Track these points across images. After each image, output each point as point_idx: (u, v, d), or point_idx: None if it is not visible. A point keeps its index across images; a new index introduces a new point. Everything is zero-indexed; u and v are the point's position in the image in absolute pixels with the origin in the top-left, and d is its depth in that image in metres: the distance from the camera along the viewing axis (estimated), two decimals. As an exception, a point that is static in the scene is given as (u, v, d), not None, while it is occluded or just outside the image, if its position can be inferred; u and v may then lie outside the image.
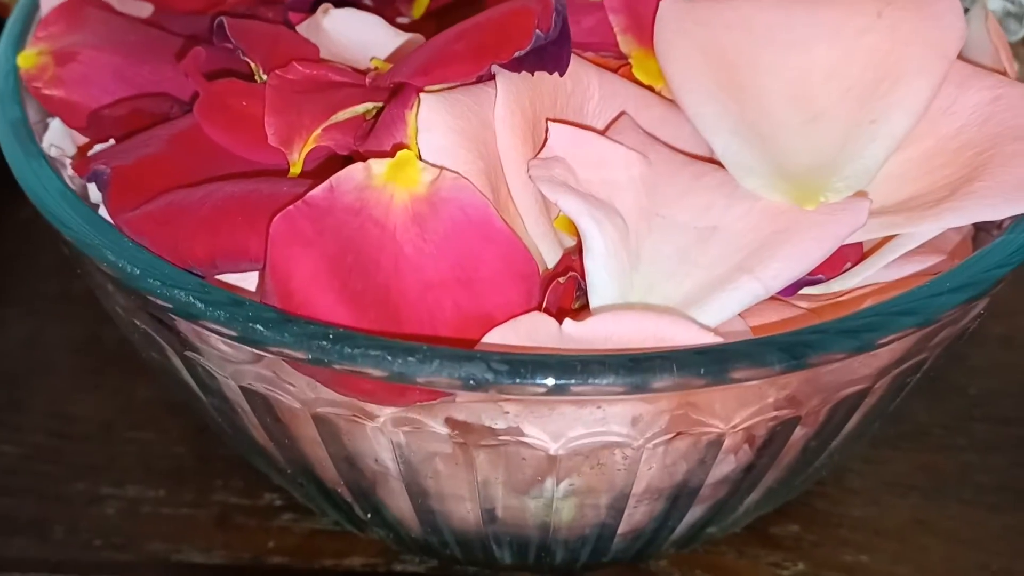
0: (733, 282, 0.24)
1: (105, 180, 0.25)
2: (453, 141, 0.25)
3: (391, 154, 0.25)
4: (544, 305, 0.24)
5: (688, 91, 0.28)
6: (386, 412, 0.23)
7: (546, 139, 0.27)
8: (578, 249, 0.28)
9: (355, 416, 0.23)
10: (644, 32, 0.30)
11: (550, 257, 0.27)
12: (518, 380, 0.21)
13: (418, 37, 0.30)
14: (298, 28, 0.30)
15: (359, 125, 0.27)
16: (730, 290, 0.24)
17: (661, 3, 0.29)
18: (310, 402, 0.24)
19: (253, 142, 0.26)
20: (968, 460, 0.37)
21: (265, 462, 0.29)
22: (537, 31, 0.26)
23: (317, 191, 0.23)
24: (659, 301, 0.25)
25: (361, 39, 0.30)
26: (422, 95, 0.25)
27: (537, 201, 0.26)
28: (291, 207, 0.23)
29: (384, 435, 0.24)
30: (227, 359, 0.24)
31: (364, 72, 0.29)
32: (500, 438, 0.23)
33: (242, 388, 0.24)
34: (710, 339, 0.22)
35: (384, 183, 0.23)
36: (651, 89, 0.30)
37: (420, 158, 0.24)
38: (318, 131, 0.26)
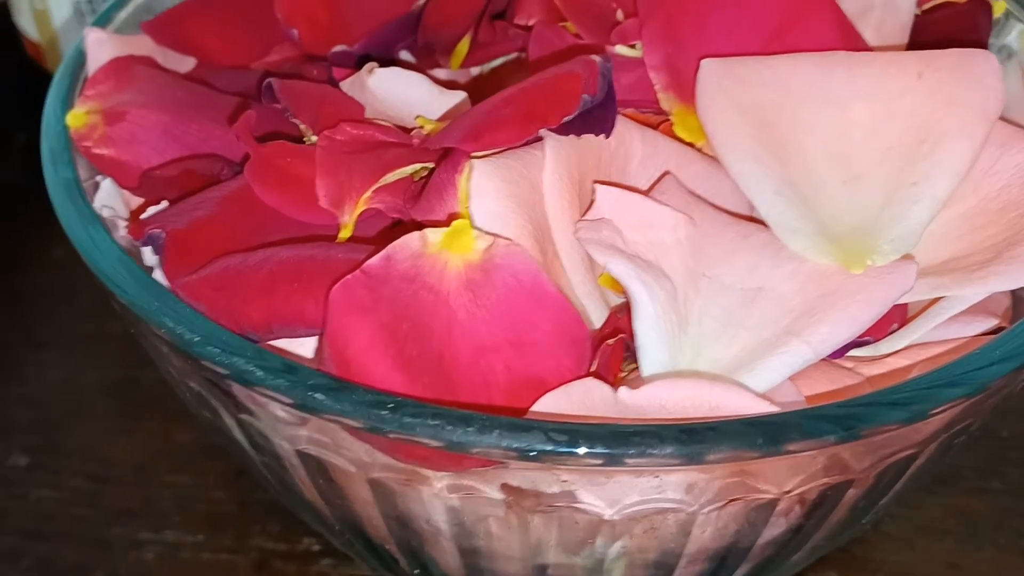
0: (782, 346, 0.25)
1: (161, 244, 0.25)
2: (505, 206, 0.25)
3: (443, 220, 0.25)
4: (594, 367, 0.25)
5: (730, 150, 0.28)
6: (441, 478, 0.23)
7: (593, 200, 0.27)
8: (623, 308, 0.28)
9: (410, 481, 0.24)
10: (685, 89, 0.30)
11: (596, 316, 0.27)
12: (576, 451, 0.21)
13: (463, 101, 0.30)
14: (342, 86, 0.31)
15: (408, 187, 0.27)
16: (779, 354, 0.25)
17: (702, 63, 0.29)
18: (365, 466, 0.24)
19: (303, 203, 0.27)
20: (1003, 504, 0.37)
21: (312, 516, 0.29)
22: (584, 95, 0.26)
23: (374, 260, 0.23)
24: (708, 364, 0.25)
25: (405, 97, 0.30)
26: (474, 161, 0.25)
27: (583, 261, 0.27)
28: (349, 276, 0.23)
29: (439, 500, 0.24)
30: (282, 423, 0.24)
31: (409, 131, 0.29)
32: (555, 504, 0.23)
33: (296, 451, 0.24)
34: (765, 408, 0.22)
35: (439, 251, 0.24)
36: (691, 145, 0.30)
37: (472, 224, 0.24)
38: (368, 193, 0.27)
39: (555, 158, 0.26)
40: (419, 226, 0.25)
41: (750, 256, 0.27)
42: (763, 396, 0.23)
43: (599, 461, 0.21)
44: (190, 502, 0.38)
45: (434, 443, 0.22)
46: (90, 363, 0.42)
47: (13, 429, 0.40)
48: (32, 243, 0.48)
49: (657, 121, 0.31)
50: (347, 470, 0.24)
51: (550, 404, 0.24)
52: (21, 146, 0.53)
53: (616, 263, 0.25)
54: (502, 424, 0.22)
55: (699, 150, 0.30)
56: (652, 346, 0.25)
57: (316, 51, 0.33)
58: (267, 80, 0.28)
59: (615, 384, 0.25)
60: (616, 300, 0.28)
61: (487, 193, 0.25)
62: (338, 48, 0.32)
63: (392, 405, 0.22)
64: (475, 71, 0.35)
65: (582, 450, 0.21)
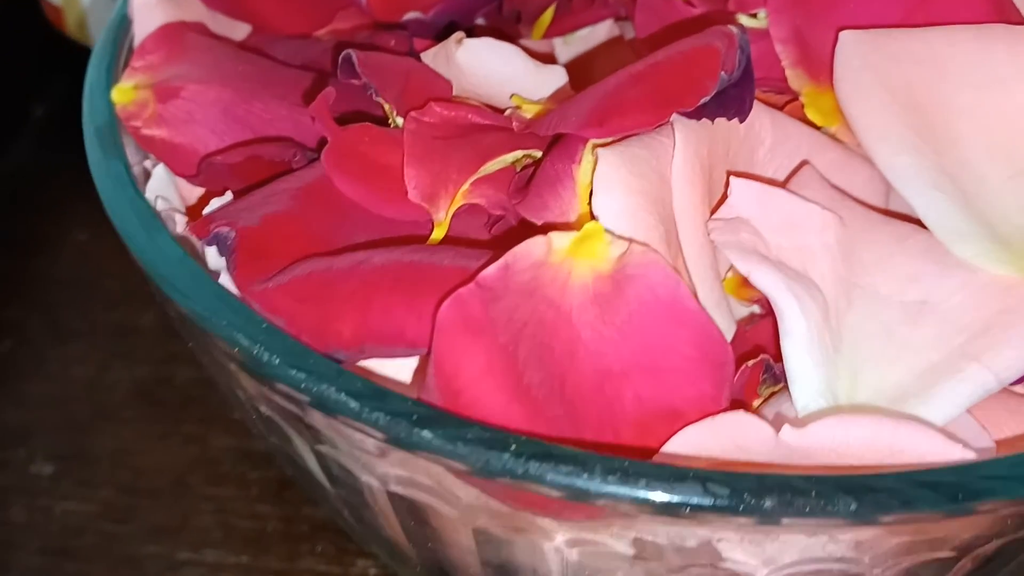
0: (958, 372, 0.21)
1: (230, 245, 0.21)
2: (635, 203, 0.21)
3: (558, 218, 0.21)
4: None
5: (879, 137, 0.24)
6: (562, 528, 0.20)
7: (725, 195, 0.23)
8: (750, 320, 0.24)
9: (523, 531, 0.20)
10: (817, 65, 0.26)
11: (723, 328, 0.23)
12: (741, 508, 0.18)
13: (562, 77, 0.26)
14: (423, 58, 0.27)
15: (511, 178, 0.23)
16: (956, 381, 0.21)
17: (841, 34, 0.26)
18: (471, 511, 0.20)
19: (391, 197, 0.23)
20: None
21: (388, 552, 0.25)
22: (722, 72, 0.22)
23: (491, 270, 0.19)
24: (869, 392, 0.21)
25: (499, 72, 0.26)
26: (600, 150, 0.21)
27: (713, 267, 0.23)
28: (463, 290, 0.19)
29: (556, 553, 0.20)
30: (371, 456, 0.20)
31: (502, 111, 0.25)
32: (696, 563, 0.20)
33: (387, 491, 0.21)
34: (957, 453, 0.19)
35: (564, 258, 0.20)
36: (819, 129, 0.26)
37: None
38: (466, 185, 0.23)
39: (686, 146, 0.22)
40: (528, 226, 0.22)
41: (909, 263, 0.23)
42: (953, 437, 0.19)
43: (768, 521, 0.18)
44: (232, 517, 0.34)
45: (565, 493, 0.18)
46: (119, 358, 0.39)
47: (36, 433, 0.36)
48: (51, 226, 0.44)
49: (782, 102, 0.27)
50: (447, 515, 0.20)
51: (693, 442, 0.20)
52: (39, 120, 0.49)
53: (762, 272, 0.21)
54: (650, 472, 0.18)
55: (831, 135, 0.26)
56: (806, 372, 0.21)
57: (385, 18, 0.29)
58: (346, 52, 0.24)
59: (750, 411, 0.22)
60: (741, 310, 0.25)
61: (615, 188, 0.21)
62: (410, 15, 0.28)
63: (515, 446, 0.18)
64: (559, 43, 0.32)
65: (749, 507, 0.18)
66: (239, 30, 0.29)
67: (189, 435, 0.36)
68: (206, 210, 0.23)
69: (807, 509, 0.18)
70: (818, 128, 0.26)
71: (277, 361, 0.20)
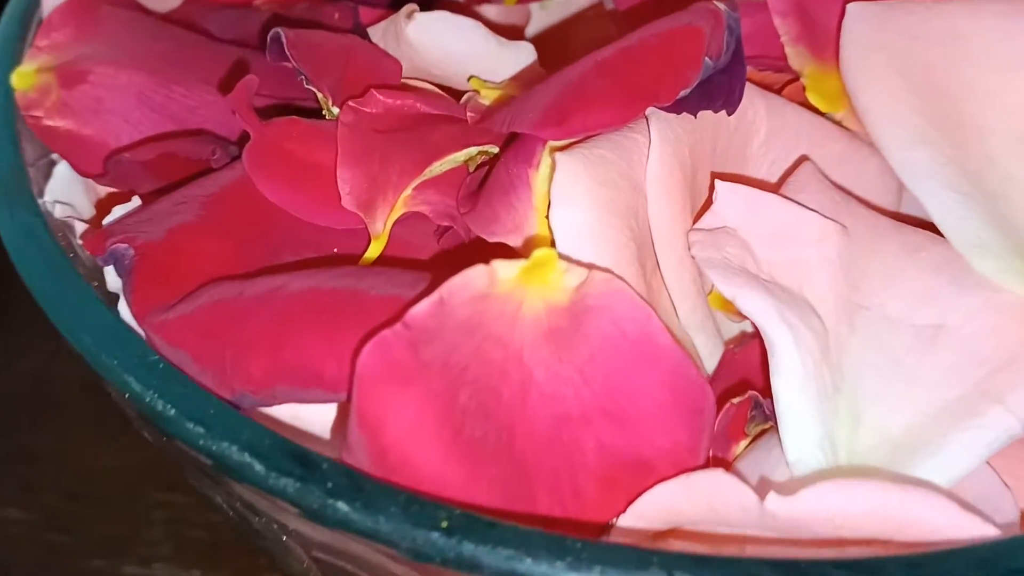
0: (977, 416, 0.18)
1: (128, 266, 0.18)
2: (599, 218, 0.18)
3: (511, 233, 0.18)
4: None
5: (890, 127, 0.21)
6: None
7: (709, 200, 0.20)
8: (741, 340, 0.21)
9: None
10: (821, 43, 0.23)
11: (708, 353, 0.20)
12: (717, 601, 0.15)
13: (529, 55, 0.23)
14: (371, 35, 0.23)
15: (462, 179, 0.20)
16: (974, 428, 0.18)
17: (849, 6, 0.22)
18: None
19: (321, 202, 0.20)
20: None
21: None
22: (706, 58, 0.19)
23: (422, 308, 0.16)
24: (872, 437, 0.18)
25: (455, 50, 0.23)
26: (559, 155, 0.18)
27: (695, 282, 0.20)
28: (386, 333, 0.16)
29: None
30: (291, 517, 0.18)
31: (459, 96, 0.22)
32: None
33: (311, 556, 0.18)
34: (977, 529, 0.16)
35: (512, 289, 0.17)
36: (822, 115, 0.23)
37: (558, 251, 0.17)
38: (408, 190, 0.20)
39: (664, 145, 0.19)
40: (480, 241, 0.19)
41: (923, 280, 0.20)
42: (969, 507, 0.16)
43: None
44: (184, 527, 0.31)
45: (509, 577, 0.15)
46: (66, 351, 0.36)
47: (-26, 430, 0.34)
48: None
49: (780, 83, 0.24)
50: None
51: (664, 503, 0.17)
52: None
53: (749, 295, 0.18)
54: (608, 557, 0.15)
55: (836, 122, 0.23)
56: (800, 418, 0.18)
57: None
58: (274, 31, 0.21)
59: (730, 460, 0.19)
60: (730, 326, 0.22)
61: (575, 202, 0.18)
62: (363, -18, 0.25)
63: (447, 522, 0.15)
64: (536, 9, 0.28)
65: (726, 600, 0.15)
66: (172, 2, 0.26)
67: (141, 436, 0.34)
68: (107, 219, 0.20)
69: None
70: (821, 114, 0.23)
71: (172, 412, 0.17)
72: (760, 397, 0.19)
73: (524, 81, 0.22)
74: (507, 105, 0.20)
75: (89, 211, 0.21)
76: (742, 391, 0.19)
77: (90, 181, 0.22)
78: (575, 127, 0.18)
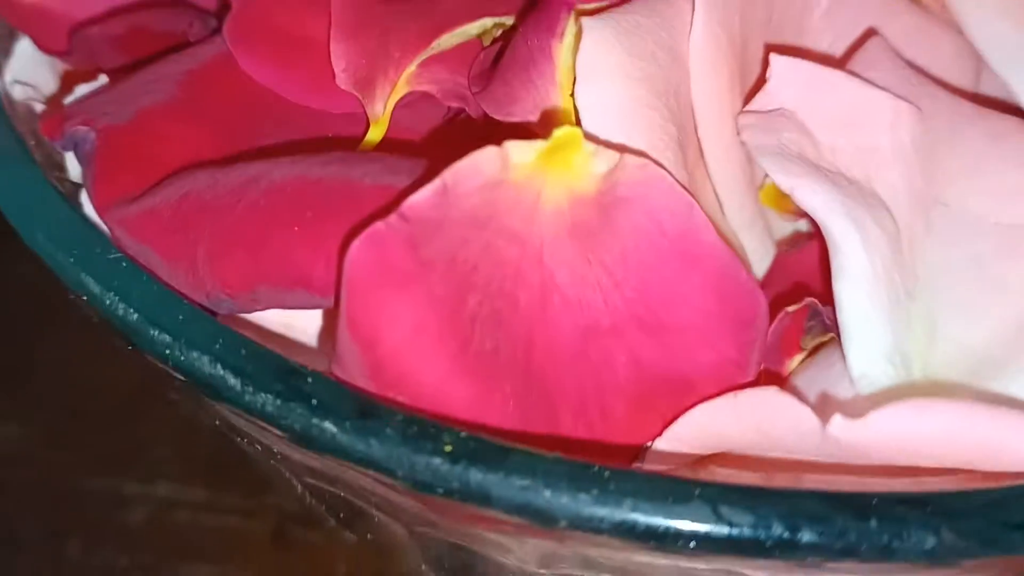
0: (1077, 327, 0.15)
1: (88, 151, 0.16)
2: (632, 97, 0.15)
3: (533, 116, 0.16)
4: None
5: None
6: (525, 546, 0.15)
7: (763, 78, 0.17)
8: (796, 241, 0.19)
9: (476, 545, 0.15)
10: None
11: (759, 255, 0.18)
12: (767, 544, 0.12)
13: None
14: None
15: (475, 56, 0.17)
16: (1074, 341, 0.15)
17: None
18: (408, 518, 0.15)
19: (312, 81, 0.17)
20: None
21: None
22: (763, -95, 0.16)
23: (422, 197, 0.14)
24: (949, 348, 0.16)
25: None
26: (585, 22, 0.15)
27: (744, 174, 0.17)
28: (378, 224, 0.14)
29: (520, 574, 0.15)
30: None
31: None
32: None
33: (305, 484, 0.16)
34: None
35: (529, 176, 0.14)
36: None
37: (583, 131, 0.15)
38: (412, 67, 0.17)
39: (710, 12, 0.16)
40: (494, 126, 0.16)
41: (1010, 172, 0.17)
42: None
43: (804, 562, 0.12)
44: (189, 445, 0.29)
45: (518, 514, 0.13)
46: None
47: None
48: None
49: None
50: (380, 519, 0.15)
51: (707, 424, 0.15)
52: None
53: (810, 189, 0.16)
54: (641, 489, 0.13)
55: (907, -6, 0.20)
56: (866, 326, 0.15)
57: None
58: None
59: (785, 375, 0.16)
60: (781, 225, 0.19)
61: (605, 76, 0.15)
62: None
63: (452, 446, 0.13)
64: None
65: (777, 544, 0.12)
66: None
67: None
68: (68, 99, 0.17)
69: (862, 550, 0.12)
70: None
71: (135, 316, 0.14)
72: (819, 305, 0.16)
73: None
74: (528, -36, 0.17)
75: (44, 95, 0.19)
76: (798, 298, 0.17)
77: (56, 59, 0.19)
78: (606, -14, 0.16)
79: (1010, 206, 0.17)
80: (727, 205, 0.17)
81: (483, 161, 0.14)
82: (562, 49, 0.16)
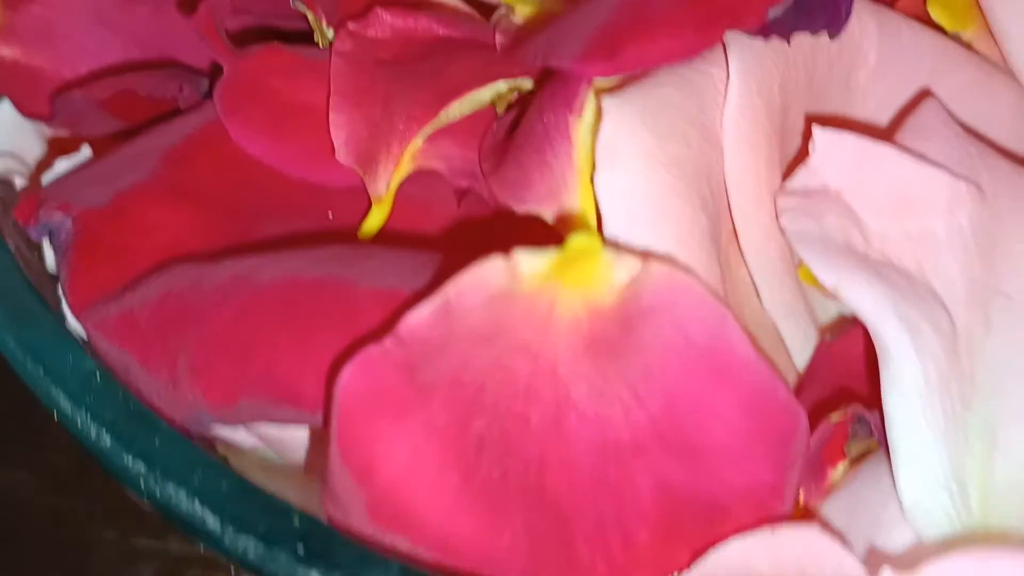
0: None
1: (64, 240, 0.15)
2: (659, 185, 0.14)
3: (547, 202, 0.14)
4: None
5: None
6: None
7: (804, 149, 0.16)
8: (841, 327, 0.17)
9: None
10: (950, -60, 0.18)
11: (798, 344, 0.16)
12: None
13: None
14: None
15: (487, 125, 0.16)
16: None
17: None
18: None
19: (310, 153, 0.16)
20: None
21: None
22: (806, -33, 0.14)
23: (420, 316, 0.12)
24: (1011, 468, 0.14)
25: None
26: (606, 100, 0.14)
27: (783, 257, 0.16)
28: (372, 349, 0.12)
29: None
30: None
31: (489, 10, 0.18)
32: None
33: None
34: None
35: (541, 286, 0.13)
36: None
37: (604, 234, 0.13)
38: (418, 141, 0.16)
39: (747, 84, 0.15)
40: (506, 220, 0.15)
41: (1082, 256, 0.15)
42: None
43: None
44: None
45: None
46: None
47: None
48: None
49: (894, -9, 0.19)
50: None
51: (738, 560, 0.13)
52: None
53: (857, 285, 0.14)
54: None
55: (964, 43, 0.18)
56: (921, 447, 0.14)
57: None
58: (252, -66, 0.16)
59: (824, 487, 0.15)
60: (826, 304, 0.17)
61: (629, 163, 0.14)
62: None
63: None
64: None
65: None
66: None
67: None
68: (46, 177, 0.16)
69: None
70: (945, 34, 0.18)
71: (108, 440, 0.13)
72: (865, 412, 0.15)
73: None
74: (544, 29, 0.16)
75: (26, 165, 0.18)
76: (841, 401, 0.15)
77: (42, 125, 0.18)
78: (629, 61, 0.14)
79: (1082, 297, 0.15)
80: (764, 290, 0.16)
81: (489, 274, 0.12)
82: (581, 127, 0.14)
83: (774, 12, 0.14)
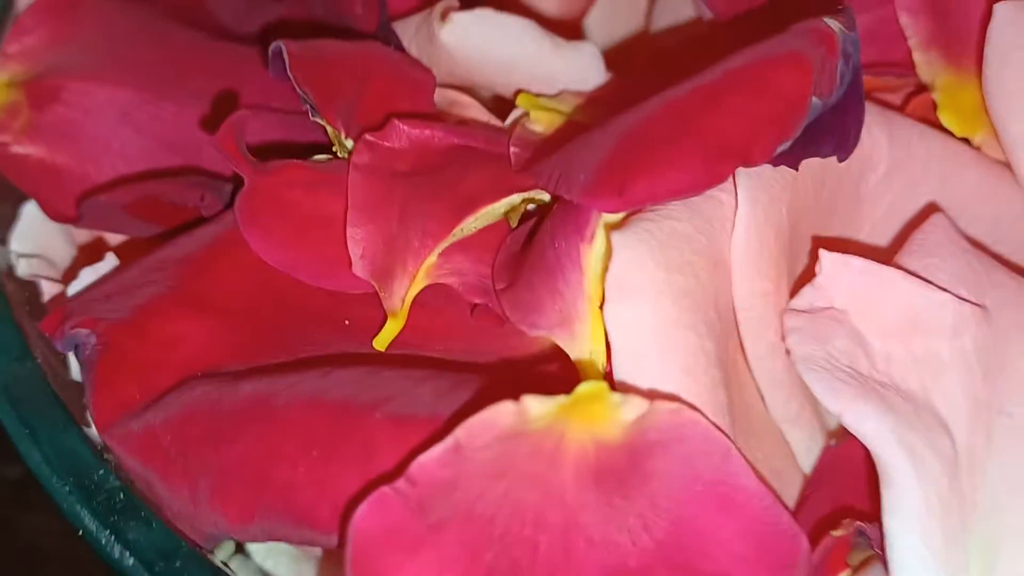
0: None
1: (89, 356, 0.15)
2: (667, 319, 0.14)
3: (556, 326, 0.15)
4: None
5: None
6: None
7: (812, 268, 0.16)
8: (843, 433, 0.17)
9: None
10: (958, 48, 0.19)
11: (804, 448, 0.17)
12: None
13: (591, 59, 0.19)
14: (402, 29, 0.19)
15: (501, 238, 0.16)
16: None
17: (997, 6, 0.18)
18: None
19: (329, 265, 0.16)
20: None
21: None
22: (814, 98, 0.15)
23: (431, 457, 0.13)
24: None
25: (500, 55, 0.19)
26: (616, 236, 0.14)
27: (788, 369, 0.16)
28: (385, 491, 0.12)
29: None
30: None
31: (507, 106, 0.18)
32: None
33: None
34: None
35: (549, 425, 0.13)
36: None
37: (610, 374, 0.13)
38: (433, 256, 0.16)
39: (754, 212, 0.15)
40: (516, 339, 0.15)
41: (1084, 378, 0.16)
42: None
43: None
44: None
45: None
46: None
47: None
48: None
49: (902, 95, 0.19)
50: None
51: None
52: None
53: (860, 413, 0.14)
54: None
55: (972, 146, 0.19)
56: (918, 570, 0.14)
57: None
58: (275, 44, 0.17)
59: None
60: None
61: (637, 297, 0.14)
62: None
63: None
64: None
65: None
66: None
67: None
68: (72, 287, 0.16)
69: None
70: (955, 137, 0.18)
71: (131, 560, 0.13)
72: (865, 527, 0.15)
73: (589, 99, 0.18)
74: (558, 147, 0.16)
75: (69, 259, 0.18)
76: (842, 516, 0.15)
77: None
78: (638, 196, 0.14)
79: (1083, 419, 0.15)
80: (770, 401, 0.16)
81: (499, 416, 0.13)
82: (592, 255, 0.15)
83: (782, 147, 0.15)
